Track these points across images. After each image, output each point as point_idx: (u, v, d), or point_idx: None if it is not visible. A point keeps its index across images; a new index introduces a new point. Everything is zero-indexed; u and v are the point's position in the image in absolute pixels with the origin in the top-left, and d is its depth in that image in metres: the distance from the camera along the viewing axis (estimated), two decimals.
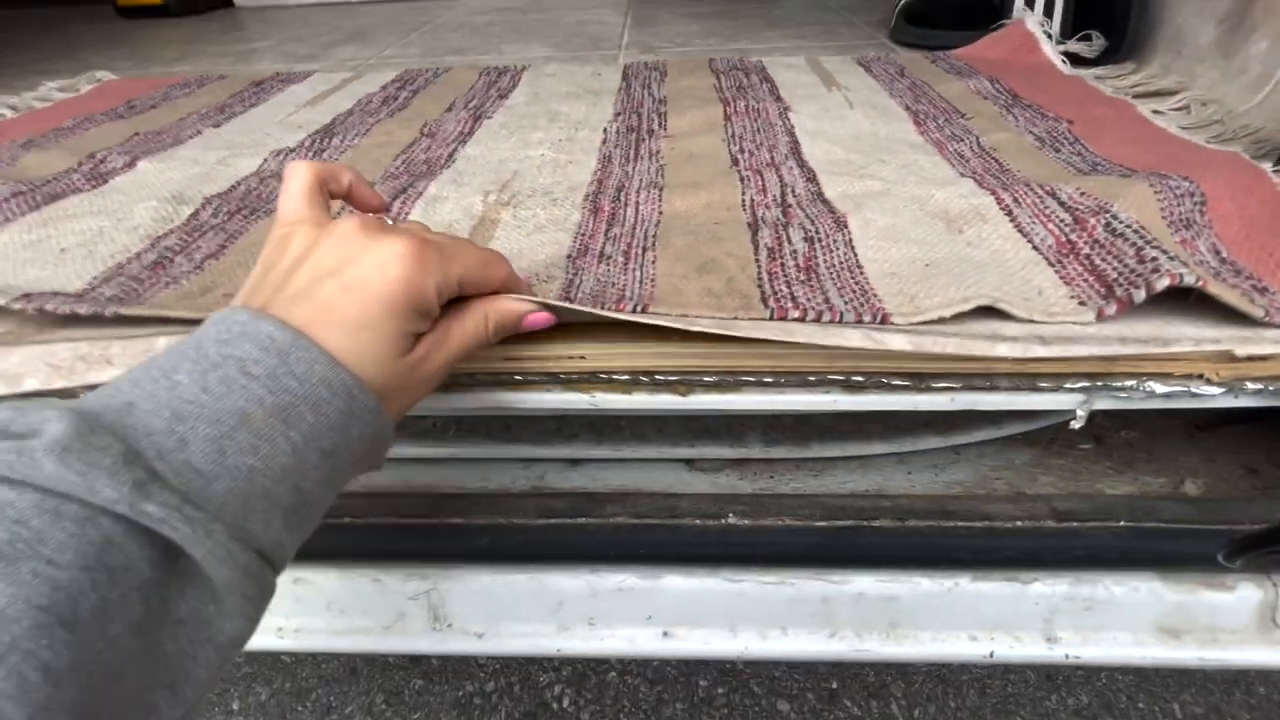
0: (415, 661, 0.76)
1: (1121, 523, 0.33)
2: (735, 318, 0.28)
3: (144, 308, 0.31)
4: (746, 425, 0.40)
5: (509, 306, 0.27)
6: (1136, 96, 0.57)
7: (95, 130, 0.61)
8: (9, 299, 0.31)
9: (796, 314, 0.28)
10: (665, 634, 0.34)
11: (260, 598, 0.20)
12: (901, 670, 0.72)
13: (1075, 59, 0.66)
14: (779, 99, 0.60)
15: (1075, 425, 0.30)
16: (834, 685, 0.73)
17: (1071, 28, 0.67)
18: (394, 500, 0.36)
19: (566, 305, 0.27)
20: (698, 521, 0.33)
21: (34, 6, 1.59)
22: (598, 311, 0.27)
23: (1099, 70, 0.64)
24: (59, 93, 0.76)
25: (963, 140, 0.49)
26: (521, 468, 0.40)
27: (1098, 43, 0.65)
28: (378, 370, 0.22)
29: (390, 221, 0.27)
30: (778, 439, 0.39)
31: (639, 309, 0.29)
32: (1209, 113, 0.53)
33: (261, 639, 0.35)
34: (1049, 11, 0.68)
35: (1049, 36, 0.67)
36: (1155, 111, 0.53)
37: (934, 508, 0.34)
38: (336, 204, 0.29)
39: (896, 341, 0.26)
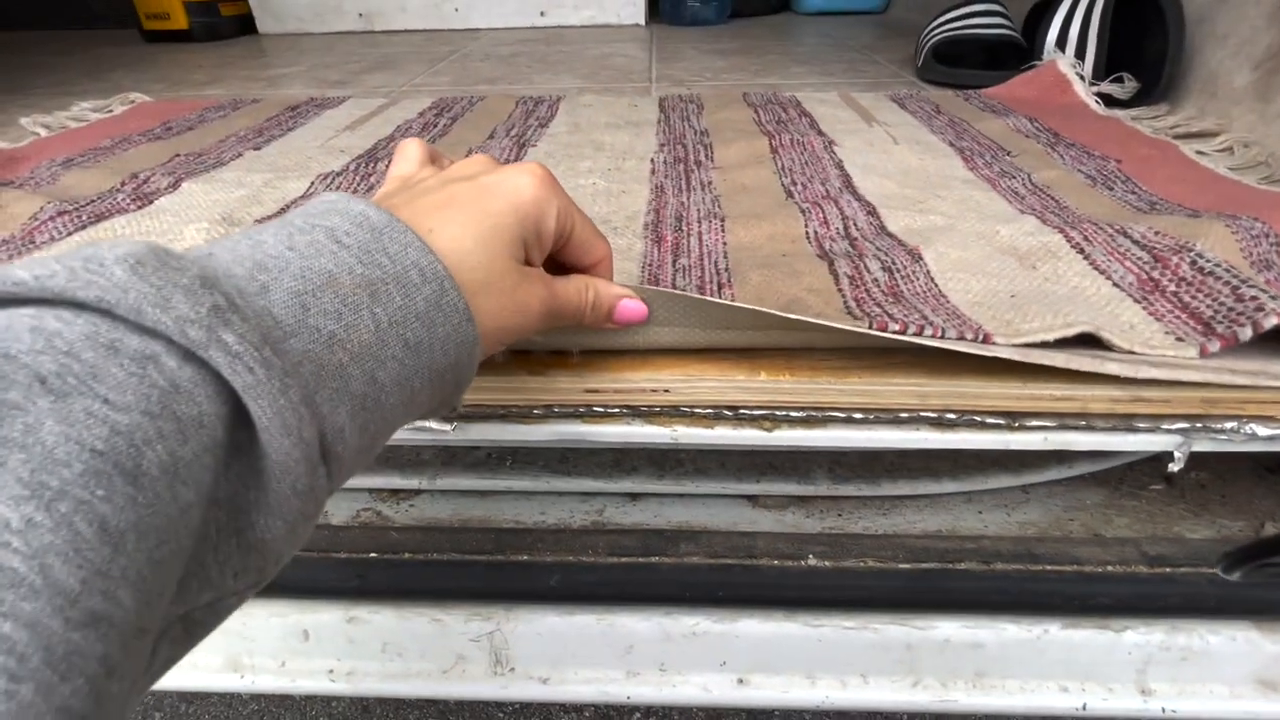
0: (430, 700, 0.73)
1: (1216, 569, 0.31)
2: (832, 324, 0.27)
3: None
4: (813, 461, 0.39)
5: (609, 287, 0.26)
6: (1176, 138, 0.57)
7: (135, 150, 0.61)
8: None
9: (896, 327, 0.27)
10: (740, 681, 0.33)
11: (308, 500, 0.16)
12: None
13: (1108, 100, 0.67)
14: (821, 133, 0.61)
15: (1175, 468, 0.30)
16: None
17: (1104, 70, 0.68)
18: (454, 535, 0.34)
19: (668, 291, 0.27)
20: (775, 562, 0.32)
21: (57, 29, 1.61)
22: (701, 297, 0.26)
23: (1134, 111, 0.65)
24: (93, 113, 0.76)
25: (1014, 177, 0.49)
26: (579, 501, 0.39)
27: (1130, 85, 0.66)
28: (480, 271, 0.20)
29: None
30: (845, 476, 0.38)
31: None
32: (1253, 154, 0.53)
33: (312, 682, 0.34)
34: (1080, 53, 0.70)
35: (1081, 78, 0.68)
36: (1199, 152, 0.53)
37: (1020, 550, 0.33)
38: None
39: (1035, 352, 0.25)
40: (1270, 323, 0.27)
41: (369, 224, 0.19)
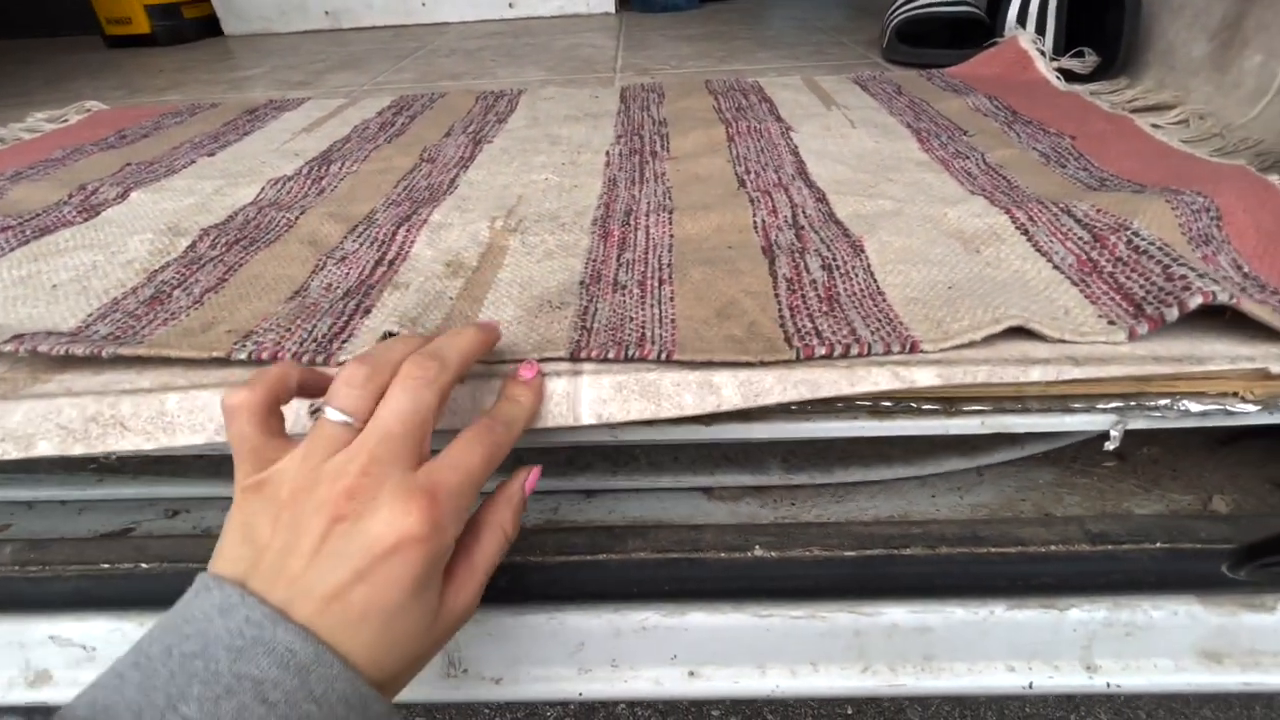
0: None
1: (1158, 544, 0.32)
2: (761, 361, 0.27)
3: (143, 347, 0.30)
4: (766, 451, 0.39)
5: (512, 501, 0.26)
6: (1134, 111, 0.57)
7: (85, 161, 0.60)
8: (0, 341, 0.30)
9: (823, 350, 0.27)
10: (691, 674, 0.33)
11: None
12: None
13: (1069, 75, 0.66)
14: (779, 119, 0.60)
15: (1110, 446, 0.30)
16: (850, 710, 0.71)
17: (1064, 44, 0.68)
18: None
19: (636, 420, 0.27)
20: (722, 555, 0.32)
21: (19, 38, 1.58)
22: (654, 419, 0.27)
23: (1093, 86, 0.65)
24: (47, 124, 0.75)
25: (968, 158, 0.49)
26: (534, 500, 0.39)
27: (1090, 59, 0.66)
28: (410, 646, 0.21)
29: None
30: (799, 465, 0.38)
31: (664, 356, 0.28)
32: (1208, 126, 0.53)
33: None
34: (1041, 29, 0.69)
35: (1042, 54, 0.68)
36: (1154, 125, 0.53)
37: (965, 533, 0.33)
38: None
39: (925, 377, 0.25)
40: (1195, 302, 0.27)
41: (296, 664, 0.18)
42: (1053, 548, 0.32)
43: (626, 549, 0.33)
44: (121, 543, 0.35)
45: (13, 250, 0.42)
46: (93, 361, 0.31)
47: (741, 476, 0.38)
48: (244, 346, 0.30)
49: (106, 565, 0.34)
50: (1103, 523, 0.34)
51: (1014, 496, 0.38)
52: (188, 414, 0.29)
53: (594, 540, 0.33)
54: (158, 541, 0.35)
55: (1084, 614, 0.32)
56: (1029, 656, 0.32)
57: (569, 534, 0.34)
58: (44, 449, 0.28)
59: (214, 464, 0.39)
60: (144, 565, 0.34)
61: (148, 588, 0.33)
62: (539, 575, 0.33)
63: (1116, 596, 0.32)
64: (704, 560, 0.32)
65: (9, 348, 0.30)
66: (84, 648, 0.34)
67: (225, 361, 0.30)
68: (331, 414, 0.22)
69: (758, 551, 0.32)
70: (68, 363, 0.31)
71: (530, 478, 0.27)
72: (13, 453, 0.28)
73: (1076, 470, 0.40)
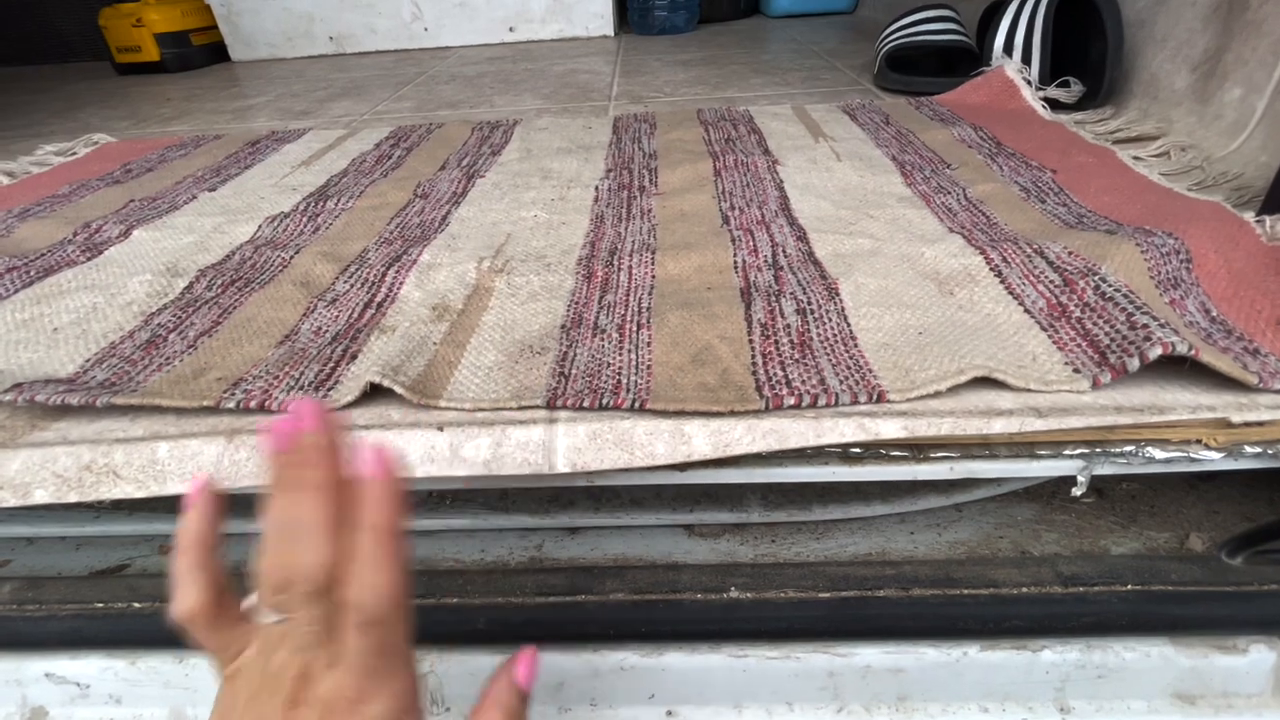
0: None
1: (1129, 586, 0.32)
2: (731, 411, 0.28)
3: (136, 396, 0.31)
4: (746, 490, 0.40)
5: (507, 686, 0.23)
6: (1117, 142, 0.58)
7: (91, 197, 0.62)
8: None
9: (792, 400, 0.28)
10: (669, 713, 0.33)
11: None
12: None
13: (1055, 104, 0.67)
14: (767, 151, 0.61)
15: (1077, 492, 0.30)
16: None
17: (1050, 74, 0.69)
18: None
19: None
20: (699, 596, 0.33)
21: (35, 64, 1.62)
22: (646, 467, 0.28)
23: (1079, 115, 0.66)
24: (56, 157, 0.77)
25: (950, 192, 0.50)
26: (518, 537, 0.40)
27: (1076, 88, 0.67)
28: None
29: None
30: (778, 503, 0.39)
31: (637, 405, 0.29)
32: (1188, 159, 0.54)
33: None
34: (1027, 58, 0.70)
35: (1028, 83, 0.69)
36: (1136, 158, 0.54)
37: (938, 575, 0.33)
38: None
39: (890, 429, 0.26)
40: (1155, 353, 0.28)
41: None
42: (1025, 590, 0.33)
43: (605, 590, 0.33)
44: (115, 582, 0.36)
45: (17, 292, 0.44)
46: (89, 409, 0.32)
47: (721, 514, 0.39)
48: (233, 395, 0.31)
49: (100, 605, 0.35)
50: (1076, 564, 0.34)
51: (992, 533, 0.39)
52: (178, 462, 0.30)
53: (574, 581, 0.34)
54: (150, 580, 0.36)
55: (1057, 655, 0.32)
56: (1002, 698, 0.33)
57: (549, 574, 0.35)
58: (40, 497, 0.29)
59: None
60: (136, 605, 0.34)
61: (139, 627, 0.34)
62: (519, 615, 0.33)
63: (1089, 638, 0.32)
64: (681, 602, 0.33)
65: (8, 397, 0.31)
66: (78, 685, 0.35)
67: (215, 409, 0.31)
68: (268, 616, 0.20)
69: (734, 593, 0.33)
70: (65, 410, 0.32)
71: (521, 671, 0.23)
72: (10, 501, 0.29)
73: (1056, 506, 0.40)
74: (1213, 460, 0.29)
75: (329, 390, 0.32)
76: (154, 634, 0.34)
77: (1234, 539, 0.32)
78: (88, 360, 0.36)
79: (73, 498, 0.29)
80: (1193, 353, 0.27)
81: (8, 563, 0.40)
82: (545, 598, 0.33)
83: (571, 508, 0.40)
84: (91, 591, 0.35)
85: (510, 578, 0.35)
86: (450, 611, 0.34)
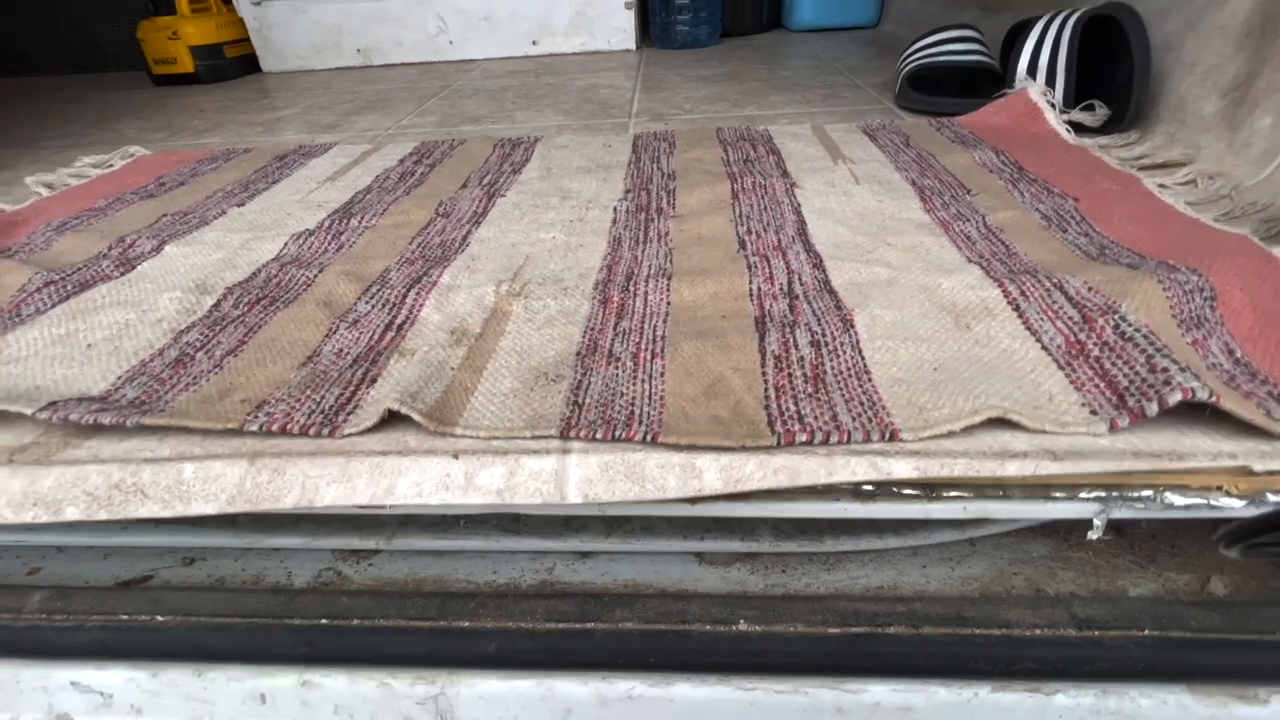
0: None
1: (1146, 631, 0.32)
2: (743, 446, 0.28)
3: (164, 417, 0.32)
4: (757, 518, 0.40)
5: None
6: (1142, 169, 0.57)
7: (126, 210, 0.64)
8: (35, 409, 0.32)
9: (804, 437, 0.28)
10: None
11: None
12: None
13: (1079, 127, 0.67)
14: (786, 173, 0.62)
15: (1093, 535, 0.30)
16: None
17: (1074, 97, 0.68)
18: (400, 602, 0.36)
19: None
20: (708, 628, 0.33)
21: (74, 73, 1.68)
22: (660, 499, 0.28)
23: (1103, 139, 0.65)
24: (93, 169, 0.79)
25: (969, 220, 0.50)
26: (530, 560, 0.40)
27: (1101, 112, 0.66)
28: None
29: None
30: (789, 533, 0.39)
31: (649, 438, 0.29)
32: (1216, 187, 0.53)
33: None
34: (1051, 81, 0.70)
35: (1052, 106, 0.68)
36: (1161, 186, 0.53)
37: (950, 613, 0.33)
38: None
39: (902, 469, 0.26)
40: (1175, 399, 0.27)
41: None
42: (1038, 631, 0.32)
43: (615, 619, 0.33)
44: (139, 594, 0.37)
45: (54, 307, 0.45)
46: (119, 428, 0.33)
47: (732, 543, 0.39)
48: (256, 418, 0.32)
49: (125, 616, 0.36)
50: (1092, 606, 0.33)
51: (1006, 569, 0.38)
52: (202, 484, 0.31)
53: (584, 609, 0.34)
54: (173, 594, 0.37)
55: (1070, 700, 0.32)
56: None
57: (560, 600, 0.35)
58: (71, 514, 0.30)
59: (228, 517, 0.41)
60: (159, 618, 0.35)
61: (163, 640, 0.35)
62: (529, 642, 0.34)
63: (1104, 683, 0.32)
64: (690, 633, 0.33)
65: (44, 415, 0.32)
66: (102, 694, 0.36)
67: (239, 432, 0.32)
68: None
69: (743, 626, 0.33)
70: (96, 428, 0.33)
71: None
72: (43, 517, 0.30)
73: (1072, 543, 0.40)
74: (1234, 509, 0.28)
75: (348, 415, 0.32)
76: (176, 647, 0.35)
77: (1230, 531, 0.30)
78: (119, 378, 0.37)
79: (102, 515, 0.30)
80: (1214, 399, 0.27)
81: (38, 570, 0.42)
82: (555, 624, 0.33)
83: (583, 532, 0.40)
84: (118, 603, 0.36)
85: (521, 602, 0.35)
86: (460, 635, 0.34)
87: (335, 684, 0.35)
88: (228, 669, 0.36)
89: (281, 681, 0.35)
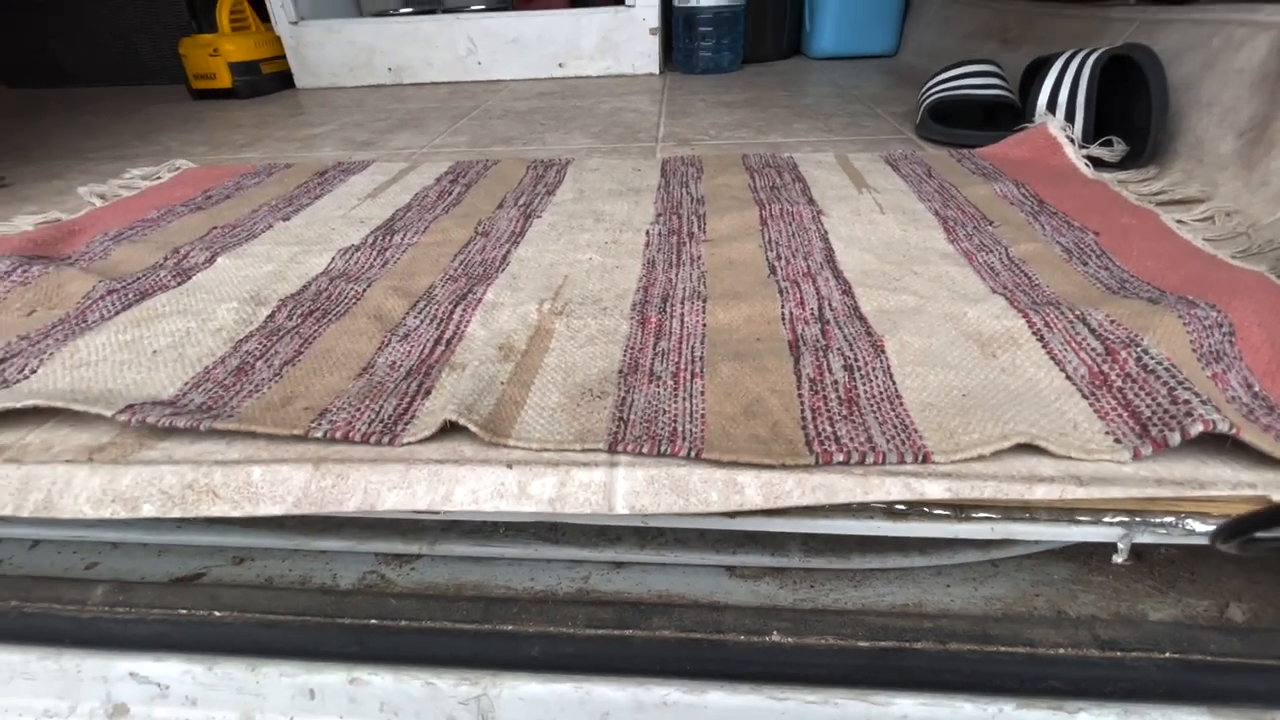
0: None
1: (1168, 654, 0.33)
2: (783, 464, 0.30)
3: (233, 422, 0.34)
4: (787, 535, 0.41)
5: None
6: (1160, 204, 0.59)
7: (177, 222, 0.67)
8: (114, 411, 0.35)
9: (841, 457, 0.30)
10: None
11: None
12: None
13: (1097, 162, 0.68)
14: (812, 201, 0.64)
15: (1118, 559, 0.31)
16: None
17: (1093, 133, 0.70)
18: (447, 604, 0.37)
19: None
20: (742, 638, 0.34)
21: (115, 85, 1.73)
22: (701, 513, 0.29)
23: (1121, 174, 0.67)
24: (142, 180, 0.82)
25: (992, 251, 0.52)
26: (566, 568, 0.42)
27: (1119, 148, 0.68)
28: None
29: None
30: (818, 549, 0.40)
31: (693, 453, 0.31)
32: (1233, 224, 0.54)
33: None
34: (1070, 116, 0.72)
35: (1071, 141, 0.70)
36: (1179, 221, 0.55)
37: (975, 630, 0.34)
38: None
39: (935, 490, 0.28)
40: (1196, 429, 0.29)
41: None
42: (1062, 651, 0.33)
43: (652, 626, 0.35)
44: (197, 590, 0.39)
45: (118, 314, 0.48)
46: (191, 431, 0.35)
47: (762, 558, 0.40)
48: (320, 425, 0.34)
49: (184, 611, 0.37)
50: (1114, 628, 0.35)
51: (1028, 590, 0.40)
52: (270, 486, 0.32)
53: (623, 616, 0.35)
54: (229, 591, 0.39)
55: (1093, 719, 0.33)
56: None
57: (599, 607, 0.37)
58: (148, 511, 0.32)
59: (276, 519, 0.43)
60: (217, 613, 0.37)
61: (219, 635, 0.37)
62: (569, 646, 0.35)
63: (1126, 704, 0.33)
64: (724, 642, 0.34)
65: (123, 417, 0.34)
66: (159, 685, 0.38)
67: (304, 438, 0.34)
68: None
69: (776, 637, 0.34)
70: (169, 431, 0.35)
71: None
72: (122, 513, 0.32)
73: (1093, 567, 0.41)
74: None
75: (406, 424, 0.34)
76: (231, 641, 0.37)
77: (1226, 526, 0.31)
78: (186, 384, 0.39)
79: (176, 514, 0.32)
80: (1234, 431, 0.29)
81: (95, 565, 0.44)
82: (595, 630, 0.35)
83: (619, 543, 0.41)
84: (176, 598, 0.38)
85: (561, 608, 0.37)
86: (504, 639, 0.36)
87: (382, 682, 0.37)
88: (279, 664, 0.37)
89: (331, 678, 0.37)
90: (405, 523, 0.43)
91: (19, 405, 0.35)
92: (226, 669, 0.38)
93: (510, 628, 0.36)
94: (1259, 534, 0.31)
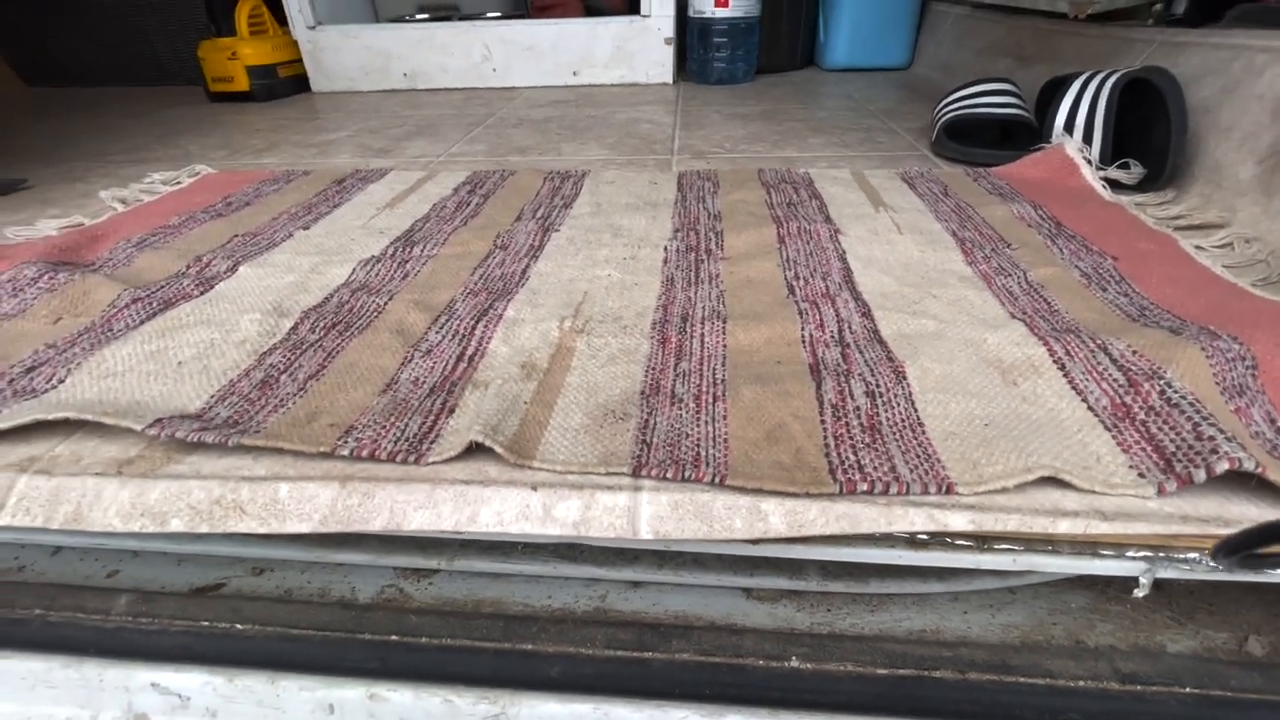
0: None
1: (1188, 689, 0.33)
2: (807, 493, 0.30)
3: (260, 438, 0.35)
4: (805, 558, 0.41)
5: None
6: (1178, 229, 0.59)
7: (199, 230, 0.67)
8: (143, 425, 0.35)
9: (865, 487, 0.30)
10: None
11: None
12: None
13: (1115, 184, 0.68)
14: (829, 219, 0.64)
15: (1140, 593, 0.31)
16: None
17: (1110, 155, 0.70)
18: (466, 622, 0.38)
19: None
20: (761, 662, 0.34)
21: (134, 85, 1.75)
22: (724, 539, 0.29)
23: (1139, 197, 0.67)
24: (163, 185, 0.83)
25: (1010, 275, 0.52)
26: (584, 586, 0.42)
27: (1137, 170, 0.68)
28: None
29: None
30: (835, 573, 0.40)
31: (717, 480, 0.31)
32: (1253, 252, 0.54)
33: None
34: (1088, 138, 0.72)
35: (1089, 162, 0.70)
36: (1198, 247, 0.55)
37: (994, 660, 0.34)
38: None
39: (958, 522, 0.28)
40: (1221, 468, 0.29)
41: None
42: (1082, 683, 0.33)
43: (671, 649, 0.35)
44: (219, 602, 0.39)
45: (143, 323, 0.48)
46: (219, 446, 0.35)
47: (779, 580, 0.40)
48: (346, 442, 0.34)
49: (206, 622, 0.38)
50: (1134, 661, 0.35)
51: (1046, 619, 0.40)
52: (297, 503, 0.33)
53: (642, 638, 0.36)
54: (250, 603, 0.39)
55: None
56: None
57: (618, 628, 0.37)
58: (176, 526, 0.32)
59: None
60: (239, 626, 0.38)
61: (240, 647, 0.37)
62: (589, 668, 0.35)
63: None
64: (744, 667, 0.34)
65: (152, 431, 0.35)
66: (180, 696, 0.38)
67: (330, 455, 0.34)
68: None
69: (795, 662, 0.34)
70: (196, 445, 0.36)
71: None
72: (150, 527, 0.32)
73: (1110, 596, 0.41)
74: (1278, 576, 0.30)
75: (431, 443, 0.35)
76: (252, 654, 0.38)
77: (1227, 541, 0.31)
78: (211, 397, 0.40)
79: (204, 529, 0.32)
80: (1260, 470, 0.29)
81: (116, 573, 0.44)
82: (614, 651, 0.35)
83: (636, 563, 0.42)
84: (200, 610, 0.38)
85: (580, 628, 0.37)
86: (524, 658, 0.36)
87: (402, 699, 0.37)
88: (300, 678, 0.38)
89: (350, 693, 0.37)
90: (425, 538, 0.43)
91: (50, 417, 0.36)
92: (247, 681, 0.38)
93: (530, 647, 0.36)
94: (1259, 550, 0.31)
